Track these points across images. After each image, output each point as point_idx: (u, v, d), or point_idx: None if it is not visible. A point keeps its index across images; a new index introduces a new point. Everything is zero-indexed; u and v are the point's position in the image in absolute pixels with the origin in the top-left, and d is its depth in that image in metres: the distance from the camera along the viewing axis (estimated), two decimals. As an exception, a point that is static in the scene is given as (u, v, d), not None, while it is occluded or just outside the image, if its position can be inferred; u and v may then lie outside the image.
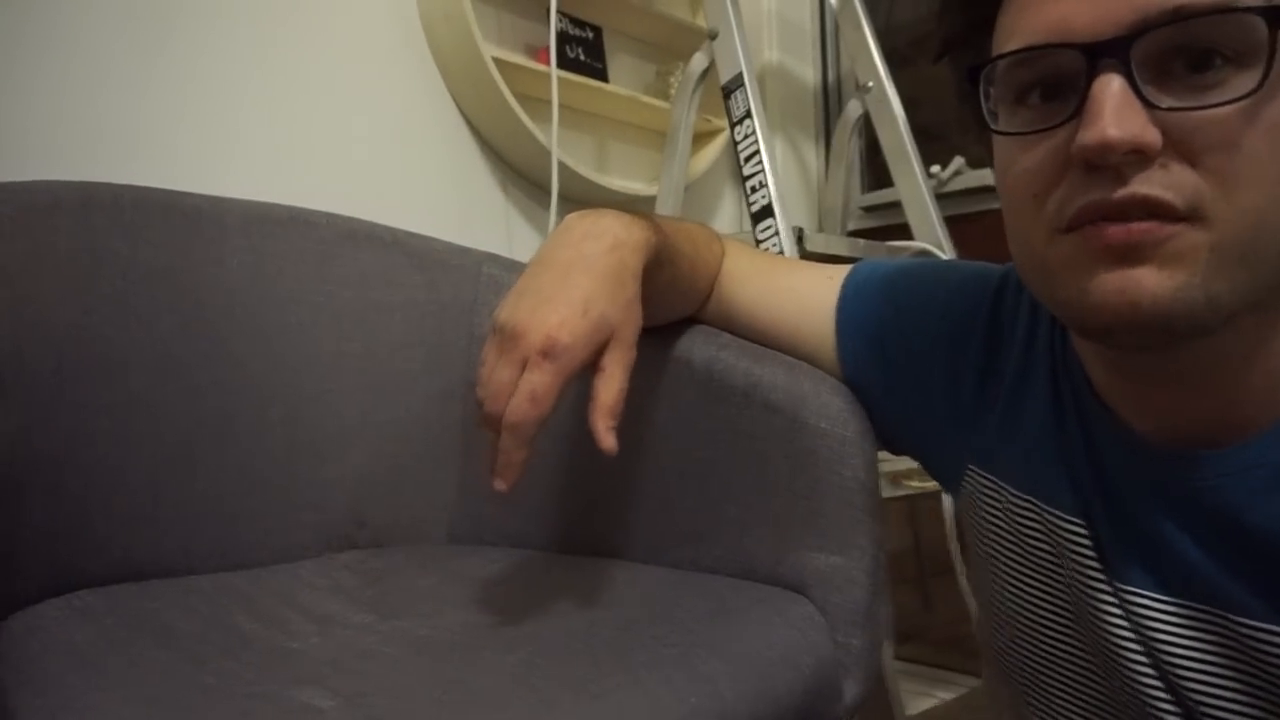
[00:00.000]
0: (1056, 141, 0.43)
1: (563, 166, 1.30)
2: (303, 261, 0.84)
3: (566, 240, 0.59)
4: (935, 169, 1.52)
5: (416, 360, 0.86)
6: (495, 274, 0.92)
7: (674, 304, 0.70)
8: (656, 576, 0.66)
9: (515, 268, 0.95)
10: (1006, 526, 0.57)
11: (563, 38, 1.42)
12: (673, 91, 1.51)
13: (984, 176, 1.52)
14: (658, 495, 0.70)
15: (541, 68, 1.32)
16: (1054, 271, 0.45)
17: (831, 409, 0.64)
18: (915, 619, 1.58)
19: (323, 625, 0.57)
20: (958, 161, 1.53)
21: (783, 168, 1.75)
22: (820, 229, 1.67)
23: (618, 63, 1.56)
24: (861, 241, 1.30)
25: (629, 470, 0.71)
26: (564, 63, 1.38)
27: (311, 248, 0.85)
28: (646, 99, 1.52)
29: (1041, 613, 0.56)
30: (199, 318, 0.75)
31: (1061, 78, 0.43)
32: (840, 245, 1.24)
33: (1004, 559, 0.58)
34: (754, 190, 1.15)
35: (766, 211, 1.13)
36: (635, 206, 1.45)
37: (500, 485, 0.54)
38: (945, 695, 1.38)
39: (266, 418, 0.77)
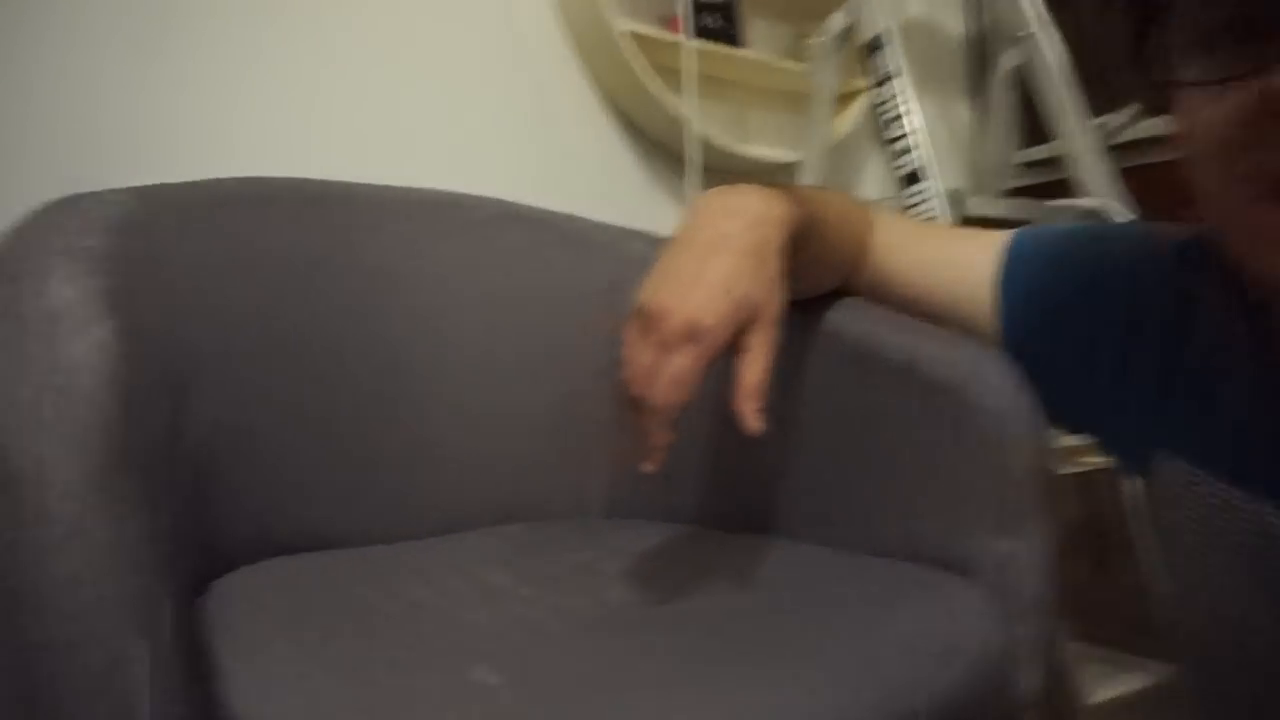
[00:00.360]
0: (1254, 91, 0.38)
1: (701, 137, 1.29)
2: (454, 244, 0.87)
3: (705, 219, 0.58)
4: (1105, 118, 1.40)
5: (565, 338, 0.88)
6: (639, 250, 0.92)
7: (820, 278, 0.68)
8: (815, 557, 0.65)
9: (659, 243, 0.94)
10: (1203, 517, 0.53)
11: (697, 5, 1.40)
12: (812, 54, 1.46)
13: (1162, 124, 1.40)
14: (813, 474, 0.69)
15: (676, 38, 1.31)
16: (1258, 242, 0.41)
17: (998, 386, 0.61)
18: (1092, 596, 1.49)
19: (490, 597, 0.59)
20: (1130, 109, 1.41)
21: (931, 127, 1.67)
22: (975, 191, 1.58)
23: (754, 27, 1.52)
24: (1022, 202, 1.23)
25: (782, 448, 0.70)
26: (699, 31, 1.36)
27: (462, 230, 0.88)
28: (784, 63, 1.48)
29: (1240, 607, 0.51)
30: (362, 302, 0.79)
31: (1259, 18, 0.38)
32: (998, 207, 1.17)
33: (1199, 551, 0.53)
34: (901, 154, 1.10)
35: (916, 176, 1.08)
36: (776, 174, 1.42)
37: (647, 468, 0.54)
38: (1130, 681, 1.29)
39: (430, 396, 0.80)
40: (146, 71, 0.97)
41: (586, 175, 1.29)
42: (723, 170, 1.35)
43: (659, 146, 1.37)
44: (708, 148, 1.31)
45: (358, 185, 0.84)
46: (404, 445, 0.78)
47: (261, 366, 0.71)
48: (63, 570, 0.31)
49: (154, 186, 0.69)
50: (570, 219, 0.96)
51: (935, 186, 1.06)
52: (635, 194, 1.34)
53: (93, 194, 0.62)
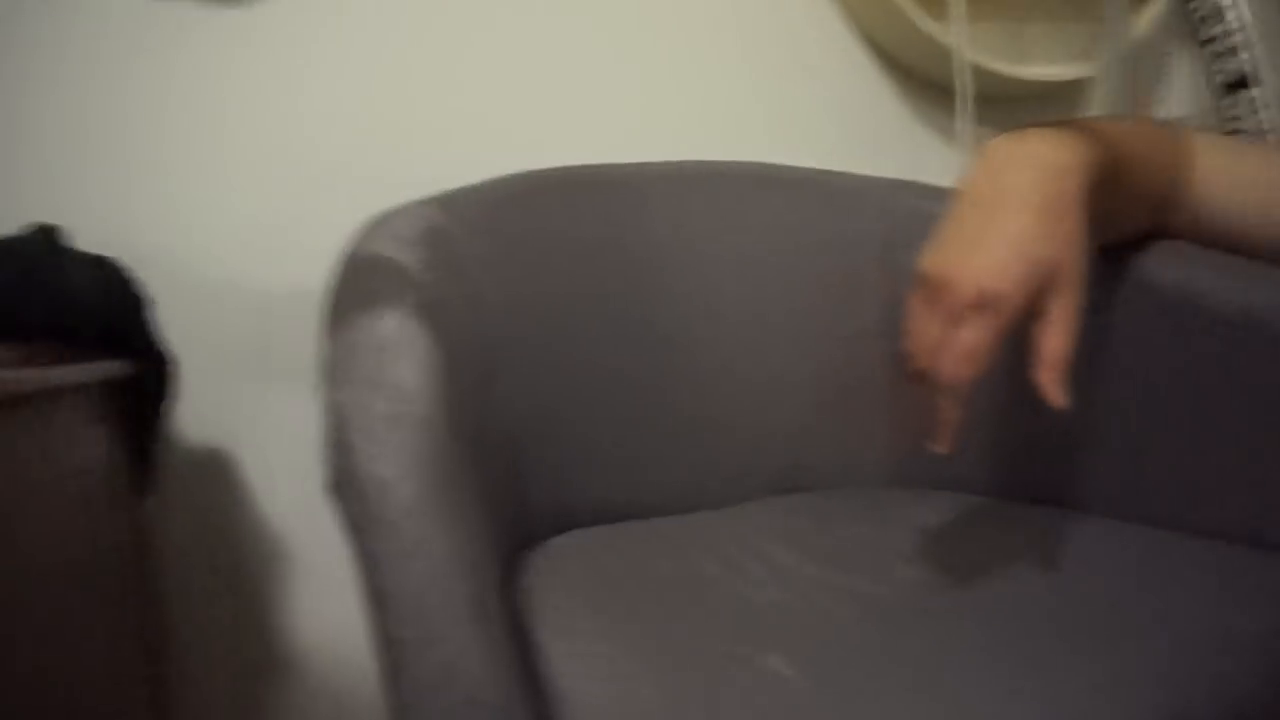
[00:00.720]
0: None
1: (972, 64, 1.19)
2: (718, 214, 0.87)
3: (993, 172, 0.54)
4: None
5: (835, 300, 0.86)
6: (908, 202, 0.88)
7: (1128, 224, 0.61)
8: (1135, 538, 0.59)
9: (929, 194, 0.89)
10: None
11: (961, -84, 1.28)
12: (1100, -52, 1.29)
13: None
14: (1126, 443, 0.62)
15: (939, -43, 1.20)
16: None
17: (1365, 337, 0.51)
18: None
19: (777, 574, 0.60)
20: None
21: (1262, 18, 1.41)
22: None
23: (1026, -72, 1.37)
24: (1385, 93, 1.01)
25: (1089, 414, 0.64)
26: (964, -55, 1.24)
27: (725, 199, 0.88)
28: (1066, -36, 1.32)
29: None
30: (637, 280, 0.82)
31: None
32: (1353, 106, 0.97)
33: None
34: (1222, 56, 0.95)
35: (1242, 82, 0.92)
36: (1061, 95, 1.28)
37: (936, 448, 0.52)
38: None
39: (705, 367, 0.82)
40: (417, 75, 1.05)
41: (847, 123, 1.24)
42: (998, 98, 1.23)
43: (924, 81, 1.28)
44: (980, 74, 1.21)
45: (624, 166, 0.87)
46: (686, 417, 0.81)
47: (554, 350, 0.76)
48: (409, 578, 0.36)
49: (451, 193, 0.75)
50: (833, 175, 0.93)
51: (1267, 93, 0.90)
52: (902, 139, 1.27)
53: (401, 209, 0.69)
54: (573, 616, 0.52)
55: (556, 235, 0.80)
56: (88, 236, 0.73)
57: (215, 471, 0.90)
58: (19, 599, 0.50)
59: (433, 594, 0.36)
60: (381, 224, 0.65)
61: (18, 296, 0.53)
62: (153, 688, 0.80)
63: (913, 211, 0.86)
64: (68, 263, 0.62)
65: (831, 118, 1.23)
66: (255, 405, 0.90)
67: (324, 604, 0.92)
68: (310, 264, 0.76)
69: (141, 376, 0.70)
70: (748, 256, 0.86)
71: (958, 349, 0.49)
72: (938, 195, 0.90)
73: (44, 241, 0.64)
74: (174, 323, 0.76)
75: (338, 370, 0.42)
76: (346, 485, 0.38)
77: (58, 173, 0.86)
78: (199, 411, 0.87)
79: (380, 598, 0.36)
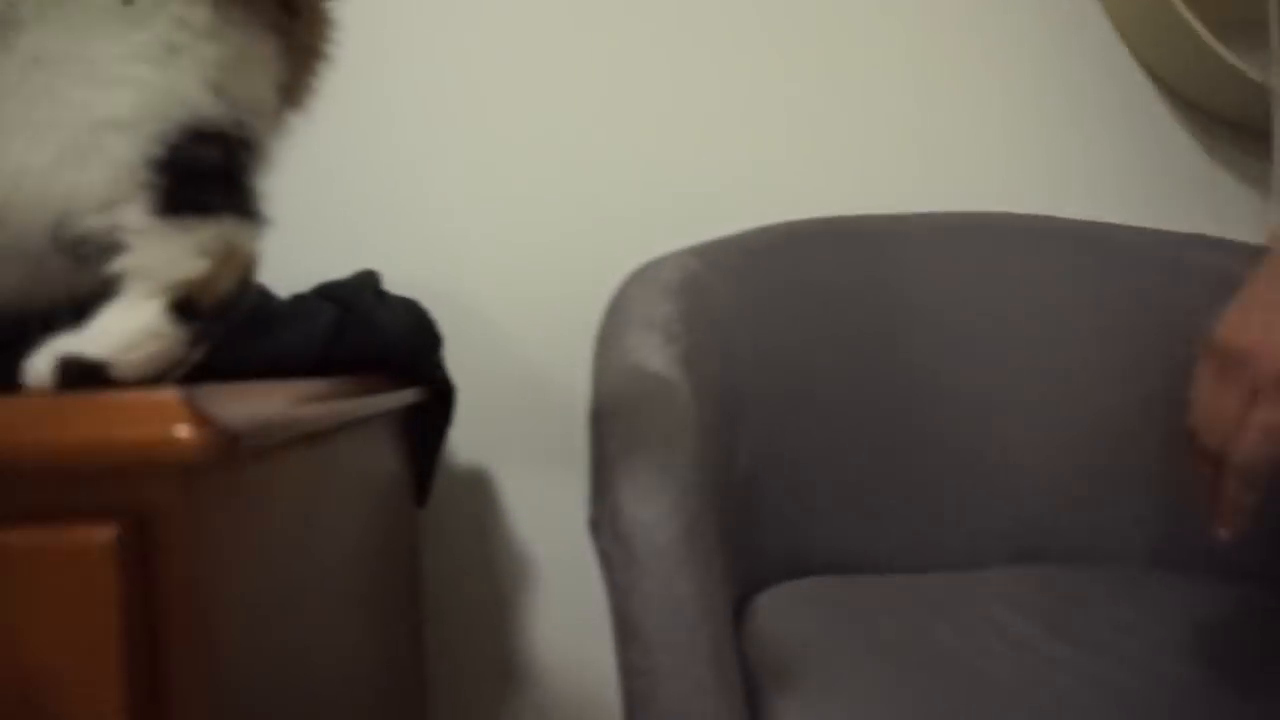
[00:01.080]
0: None
1: (1286, 102, 1.06)
2: (981, 266, 0.85)
3: None
4: None
5: (1109, 361, 0.81)
6: (1200, 258, 0.81)
7: None
8: None
9: (1226, 250, 0.82)
10: None
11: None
12: None
13: None
14: None
15: (1251, -15, 1.09)
16: None
17: None
18: None
19: (1016, 649, 0.58)
20: None
21: None
22: None
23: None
24: None
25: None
26: (1284, -30, 1.12)
27: (989, 251, 0.86)
28: None
29: None
30: (890, 332, 0.82)
31: None
32: None
33: None
34: None
35: None
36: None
37: (1221, 534, 0.48)
38: None
39: (956, 424, 0.80)
40: (684, 129, 1.09)
41: (1141, 171, 1.13)
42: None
43: (1227, 122, 1.16)
44: (1297, 113, 1.08)
45: (886, 217, 0.87)
46: (931, 473, 0.79)
47: (796, 400, 0.77)
48: (656, 615, 0.39)
49: (708, 244, 0.79)
50: (1112, 227, 0.88)
51: None
52: (1204, 189, 1.14)
53: (663, 259, 0.74)
54: (798, 667, 0.53)
55: (810, 286, 0.81)
56: (395, 278, 0.85)
57: (480, 491, 1.00)
58: (334, 591, 0.59)
59: (676, 632, 0.39)
60: (646, 272, 0.70)
61: (343, 335, 0.62)
62: (417, 685, 0.89)
63: (1206, 269, 0.80)
64: (384, 305, 0.73)
65: (1124, 165, 1.14)
66: (520, 434, 0.99)
67: (569, 626, 0.99)
68: (579, 305, 0.83)
69: (430, 403, 0.79)
70: (1012, 312, 0.83)
71: (1257, 427, 0.45)
72: (1237, 252, 0.82)
73: (366, 286, 0.75)
74: (455, 355, 0.86)
75: (604, 417, 0.46)
76: (607, 524, 0.42)
77: (376, 223, 1.00)
78: (469, 435, 0.97)
79: (628, 629, 0.40)
